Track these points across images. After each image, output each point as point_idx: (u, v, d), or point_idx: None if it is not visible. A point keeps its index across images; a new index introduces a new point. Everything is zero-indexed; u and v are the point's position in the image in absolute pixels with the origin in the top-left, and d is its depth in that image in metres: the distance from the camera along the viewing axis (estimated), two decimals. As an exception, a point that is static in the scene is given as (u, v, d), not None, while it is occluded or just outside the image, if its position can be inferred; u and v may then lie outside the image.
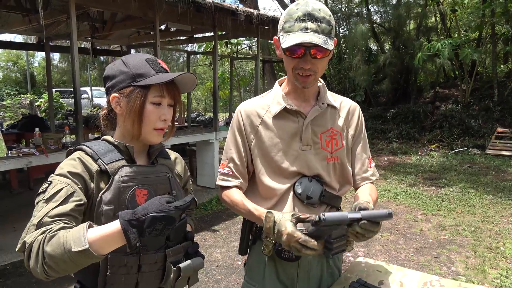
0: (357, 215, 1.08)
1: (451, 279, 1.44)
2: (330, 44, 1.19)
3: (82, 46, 8.87)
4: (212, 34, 6.53)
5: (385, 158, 8.84)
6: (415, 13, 11.76)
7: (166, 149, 1.27)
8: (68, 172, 1.01)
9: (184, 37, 8.25)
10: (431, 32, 12.43)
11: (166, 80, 1.05)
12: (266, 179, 1.35)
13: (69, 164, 1.04)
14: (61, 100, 14.26)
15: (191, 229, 1.33)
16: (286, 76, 1.40)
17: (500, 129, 9.17)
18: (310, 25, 1.18)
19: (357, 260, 1.60)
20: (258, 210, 1.27)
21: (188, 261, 1.13)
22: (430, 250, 3.90)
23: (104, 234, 0.86)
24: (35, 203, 0.97)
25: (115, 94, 1.08)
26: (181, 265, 1.11)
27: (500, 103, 10.26)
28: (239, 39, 12.72)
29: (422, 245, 4.02)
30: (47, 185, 0.99)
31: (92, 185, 1.04)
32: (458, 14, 11.18)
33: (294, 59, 1.24)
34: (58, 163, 1.07)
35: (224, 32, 7.12)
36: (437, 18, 12.60)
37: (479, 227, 4.48)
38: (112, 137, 1.13)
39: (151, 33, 7.55)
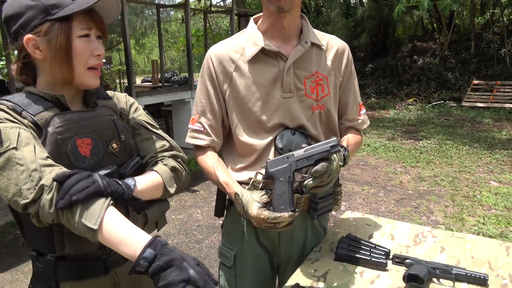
0: (300, 151, 1.02)
1: (443, 230, 1.38)
2: None
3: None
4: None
5: (364, 114, 8.85)
6: (395, -38, 11.37)
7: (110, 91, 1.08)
8: (4, 118, 0.83)
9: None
10: (410, -17, 12.12)
11: (90, 5, 0.86)
12: (243, 135, 1.19)
13: None
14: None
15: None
16: (262, 13, 1.21)
17: (475, 81, 9.25)
18: None
19: (344, 215, 1.52)
20: (229, 186, 1.13)
21: (153, 206, 1.00)
22: (410, 201, 3.94)
23: (122, 236, 0.76)
24: None
25: (30, 35, 0.87)
26: (146, 211, 0.97)
27: (476, 55, 10.29)
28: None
29: (402, 197, 4.06)
30: None
31: None
32: (438, -37, 10.87)
33: None
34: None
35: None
36: (416, -32, 12.24)
37: (456, 177, 4.55)
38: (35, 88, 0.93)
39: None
